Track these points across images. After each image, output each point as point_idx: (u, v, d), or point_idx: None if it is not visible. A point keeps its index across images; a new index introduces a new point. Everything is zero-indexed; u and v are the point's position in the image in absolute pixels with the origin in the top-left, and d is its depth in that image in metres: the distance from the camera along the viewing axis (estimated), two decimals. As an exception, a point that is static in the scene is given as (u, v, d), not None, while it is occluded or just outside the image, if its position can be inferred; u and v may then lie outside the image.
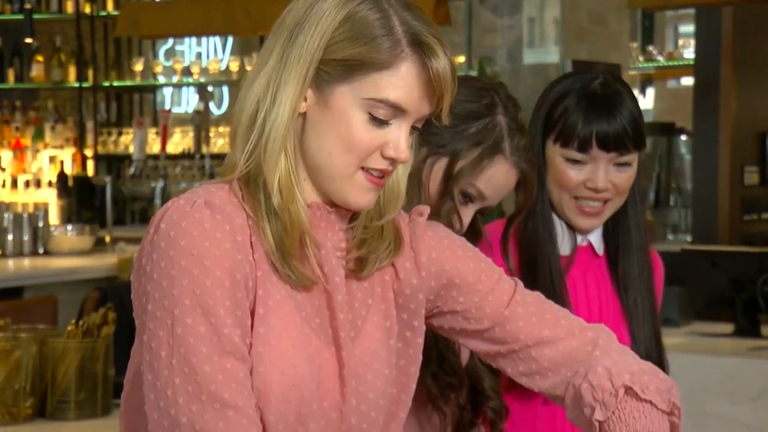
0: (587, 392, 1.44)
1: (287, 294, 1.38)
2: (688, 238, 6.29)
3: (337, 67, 1.36)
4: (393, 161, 1.40)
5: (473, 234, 1.78)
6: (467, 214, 1.73)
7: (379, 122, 1.38)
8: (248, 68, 6.91)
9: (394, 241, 1.46)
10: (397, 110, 1.38)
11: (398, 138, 1.39)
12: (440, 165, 1.71)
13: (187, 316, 1.30)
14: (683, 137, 6.60)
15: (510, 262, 1.96)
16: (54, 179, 7.10)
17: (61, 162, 7.34)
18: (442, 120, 1.44)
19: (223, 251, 1.33)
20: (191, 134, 7.35)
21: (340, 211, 1.44)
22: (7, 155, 7.44)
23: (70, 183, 7.03)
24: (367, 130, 1.37)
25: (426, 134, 1.51)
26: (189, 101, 8.05)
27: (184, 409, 1.28)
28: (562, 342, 1.49)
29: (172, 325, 1.30)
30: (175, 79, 7.65)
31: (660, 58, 6.99)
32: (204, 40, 7.86)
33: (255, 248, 1.37)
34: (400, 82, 1.37)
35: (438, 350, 1.73)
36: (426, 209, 1.53)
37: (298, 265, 1.38)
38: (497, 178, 1.72)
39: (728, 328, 4.40)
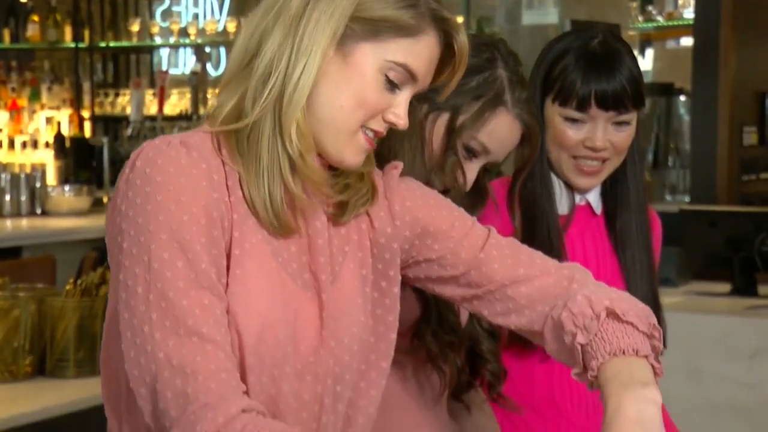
0: (567, 320, 1.45)
1: (264, 239, 1.39)
2: (686, 199, 6.29)
3: (365, 25, 1.39)
4: (391, 125, 1.43)
5: (478, 192, 1.78)
6: (471, 169, 1.72)
7: (392, 86, 1.41)
8: (245, 28, 6.84)
9: (371, 189, 1.48)
10: (410, 77, 1.42)
11: (402, 104, 1.43)
12: (442, 120, 1.71)
13: (164, 251, 1.31)
14: (682, 98, 6.58)
15: (516, 219, 1.97)
16: (51, 140, 7.08)
17: (58, 123, 7.32)
18: (445, 93, 1.52)
19: (199, 188, 1.34)
20: (188, 95, 7.33)
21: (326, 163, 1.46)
22: (3, 116, 7.42)
23: (67, 144, 7.01)
24: (380, 90, 1.40)
25: (427, 91, 1.51)
26: (186, 62, 8.01)
27: (161, 345, 1.29)
28: (538, 279, 1.51)
29: (148, 261, 1.31)
30: (172, 39, 7.61)
31: (659, 18, 6.95)
32: (201, 0, 7.82)
33: (231, 191, 1.38)
34: (422, 51, 1.42)
35: (437, 309, 1.74)
36: (400, 164, 1.55)
37: (286, 215, 1.39)
38: (500, 131, 1.71)
39: (725, 287, 4.41)
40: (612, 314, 1.44)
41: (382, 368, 1.49)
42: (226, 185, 1.38)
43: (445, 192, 1.66)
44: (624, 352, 1.40)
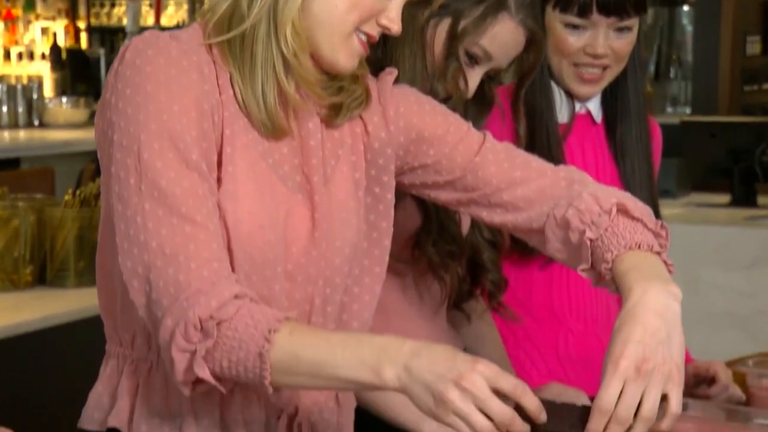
0: (574, 217, 1.45)
1: (254, 139, 1.39)
2: (688, 111, 6.27)
3: None
4: (384, 30, 1.42)
5: (484, 99, 1.76)
6: (473, 76, 1.70)
7: None
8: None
9: (365, 93, 1.47)
10: None
11: (395, 9, 1.41)
12: (443, 26, 1.68)
13: (154, 142, 1.30)
14: (685, 8, 6.51)
15: (521, 126, 1.95)
16: (47, 51, 7.02)
17: (54, 34, 7.25)
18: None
19: (190, 80, 1.33)
20: (185, 6, 7.25)
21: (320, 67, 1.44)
22: (-2, 26, 7.34)
23: (64, 56, 6.96)
24: None
25: None
26: (183, -28, 7.91)
27: (154, 234, 1.29)
28: (535, 181, 1.51)
29: (138, 151, 1.30)
30: (168, -52, 7.50)
31: (663, -75, 6.84)
32: None
33: (222, 90, 1.37)
34: None
35: (438, 219, 1.73)
36: (394, 71, 1.54)
37: (279, 116, 1.38)
38: (502, 36, 1.69)
39: (725, 198, 4.41)
40: (622, 210, 1.44)
41: (375, 273, 1.50)
42: (217, 83, 1.37)
43: (447, 99, 1.65)
44: (639, 247, 1.40)
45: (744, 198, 4.23)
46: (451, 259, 1.79)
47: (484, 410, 1.19)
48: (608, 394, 1.26)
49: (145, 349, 1.40)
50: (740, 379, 2.04)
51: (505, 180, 1.51)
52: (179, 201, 1.29)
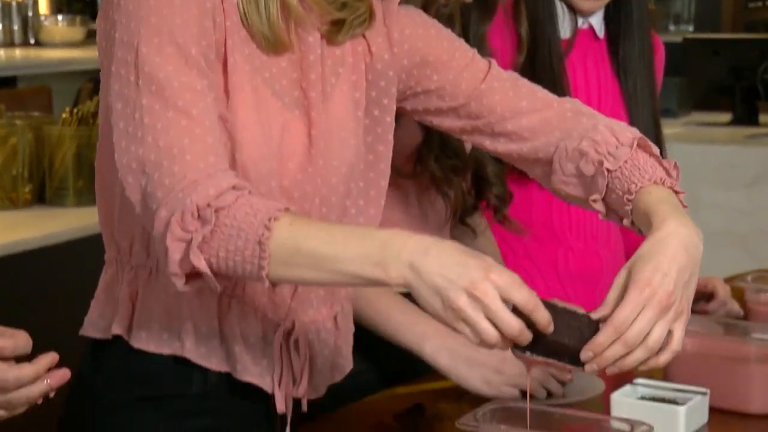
0: (590, 148, 1.43)
1: (252, 52, 1.37)
2: (690, 28, 6.20)
3: None
4: None
5: (486, 3, 1.73)
6: None
7: None
8: None
9: (369, 11, 1.44)
10: None
11: None
12: None
13: (154, 36, 1.29)
14: None
15: (523, 28, 1.93)
16: (42, -31, 6.91)
17: (49, -49, 7.14)
18: None
19: None
20: None
21: None
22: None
23: (59, -27, 6.85)
24: None
25: None
26: None
27: (150, 128, 1.28)
28: (540, 112, 1.49)
29: (138, 46, 1.29)
30: None
31: None
32: None
33: None
34: None
35: (439, 133, 1.72)
36: None
37: (280, 28, 1.36)
38: None
39: (726, 117, 4.40)
40: (642, 145, 1.43)
41: (371, 197, 1.49)
42: None
43: (446, 3, 1.62)
44: (663, 183, 1.39)
45: (745, 116, 4.21)
46: (454, 173, 1.78)
47: (494, 321, 1.17)
48: (625, 313, 1.25)
49: (144, 256, 1.40)
50: (738, 295, 2.05)
51: (510, 109, 1.49)
52: (176, 94, 1.28)
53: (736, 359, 1.60)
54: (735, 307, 2.02)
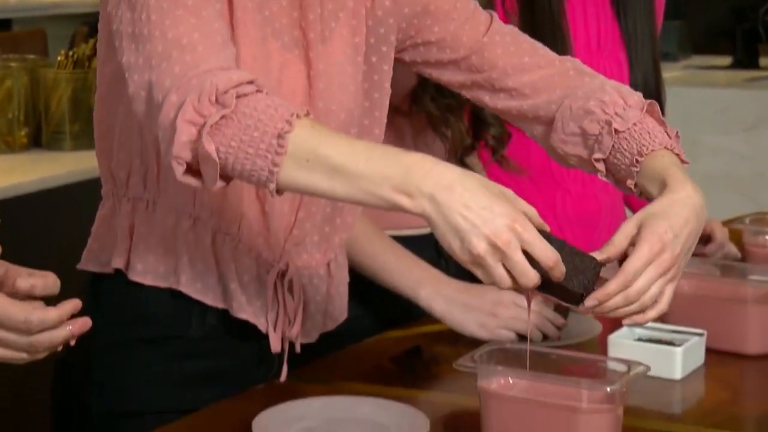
0: (597, 107, 1.42)
1: None
2: (691, -29, 6.15)
3: None
4: None
5: None
6: None
7: None
8: None
9: None
10: None
11: None
12: None
13: None
14: None
15: None
16: None
17: None
18: None
19: None
20: None
21: None
22: None
23: None
24: None
25: None
26: None
27: (157, 24, 1.22)
28: (543, 69, 1.48)
29: None
30: None
31: None
32: None
33: None
34: None
35: None
36: None
37: None
38: None
39: (726, 60, 4.37)
40: (650, 111, 1.42)
41: (375, 135, 1.48)
42: None
43: None
44: (672, 149, 1.38)
45: (746, 59, 4.18)
46: (450, 113, 1.77)
47: (511, 270, 1.15)
48: (636, 266, 1.24)
49: (141, 188, 1.40)
50: (736, 237, 2.05)
51: (512, 64, 1.48)
52: (180, 36, 1.21)
53: (733, 301, 1.60)
54: (733, 249, 2.02)
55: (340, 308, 1.52)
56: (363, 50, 1.45)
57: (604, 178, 1.43)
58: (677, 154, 1.38)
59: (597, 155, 1.42)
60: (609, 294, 1.23)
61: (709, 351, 1.57)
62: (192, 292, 1.40)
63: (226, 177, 1.20)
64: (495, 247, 1.14)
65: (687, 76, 4.25)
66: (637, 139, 1.38)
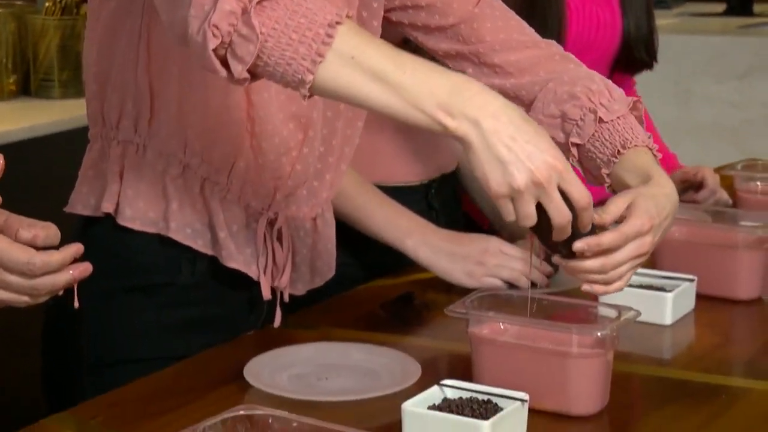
0: (583, 93, 1.42)
1: None
2: None
3: None
4: None
5: None
6: None
7: None
8: None
9: None
10: None
11: None
12: None
13: None
14: None
15: None
16: None
17: None
18: None
19: None
20: None
21: None
22: None
23: None
24: None
25: None
26: None
27: None
28: (529, 50, 1.47)
29: None
30: None
31: None
32: None
33: None
34: None
35: None
36: None
37: None
38: None
39: (720, 7, 4.35)
40: (633, 108, 1.43)
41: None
42: None
43: None
44: (653, 150, 1.40)
45: (739, 6, 4.16)
46: None
47: (547, 207, 1.14)
48: (631, 231, 1.25)
49: (131, 132, 1.39)
50: (728, 183, 2.05)
51: (499, 41, 1.46)
52: None
53: (724, 246, 1.61)
54: (724, 195, 2.02)
55: (327, 265, 1.52)
56: (356, 4, 1.44)
57: (574, 164, 1.43)
58: (658, 159, 1.40)
59: (575, 140, 1.42)
60: (601, 245, 1.23)
61: (700, 296, 1.58)
62: (181, 238, 1.40)
63: (255, 71, 1.13)
64: (536, 183, 1.13)
65: (680, 23, 4.22)
66: (621, 132, 1.39)
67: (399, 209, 1.69)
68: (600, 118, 1.41)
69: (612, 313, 1.27)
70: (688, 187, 2.05)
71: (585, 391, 1.23)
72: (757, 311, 1.60)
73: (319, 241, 1.50)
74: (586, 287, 1.27)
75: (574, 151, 1.43)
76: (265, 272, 1.43)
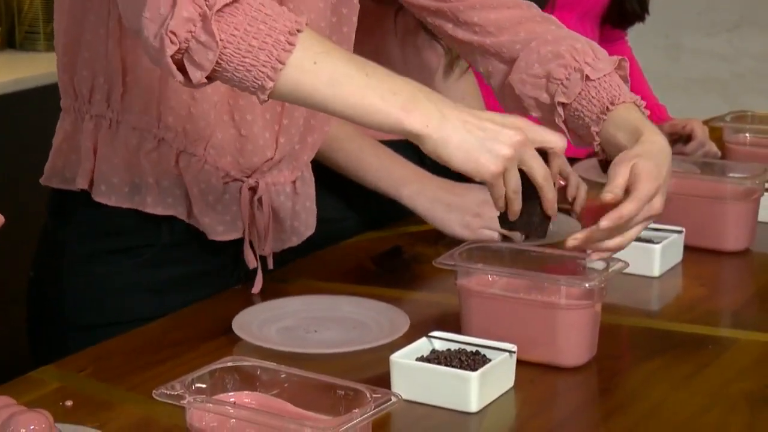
0: (568, 53, 1.41)
1: None
2: None
3: None
4: None
5: None
6: None
7: None
8: None
9: None
10: None
11: None
12: None
13: None
14: None
15: None
16: None
17: None
18: None
19: None
20: None
21: None
22: None
23: None
24: None
25: None
26: None
27: None
28: (509, 10, 1.46)
29: None
30: None
31: None
32: None
33: None
34: None
35: None
36: None
37: None
38: None
39: (710, -41, 4.31)
40: (620, 67, 1.43)
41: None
42: None
43: None
44: (641, 107, 1.39)
45: (730, -41, 4.12)
46: None
47: (526, 163, 1.17)
48: (646, 196, 1.26)
49: (104, 106, 1.37)
50: (717, 136, 2.05)
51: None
52: None
53: (712, 198, 1.61)
54: (713, 148, 2.02)
55: (306, 223, 1.51)
56: (327, 13, 1.42)
57: (559, 124, 1.42)
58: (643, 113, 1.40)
59: (561, 99, 1.41)
60: (623, 217, 1.24)
61: (688, 248, 1.58)
62: (159, 212, 1.39)
63: (214, 75, 1.12)
64: (520, 143, 1.16)
65: (670, -25, 4.20)
66: (608, 89, 1.39)
67: (395, 157, 1.68)
68: (587, 76, 1.40)
69: (600, 265, 1.27)
70: (677, 140, 2.04)
71: (573, 342, 1.24)
72: (744, 263, 1.61)
73: (298, 203, 1.49)
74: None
75: (560, 110, 1.42)
76: (249, 241, 1.43)
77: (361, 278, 1.53)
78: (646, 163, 1.28)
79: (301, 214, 1.50)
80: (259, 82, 1.11)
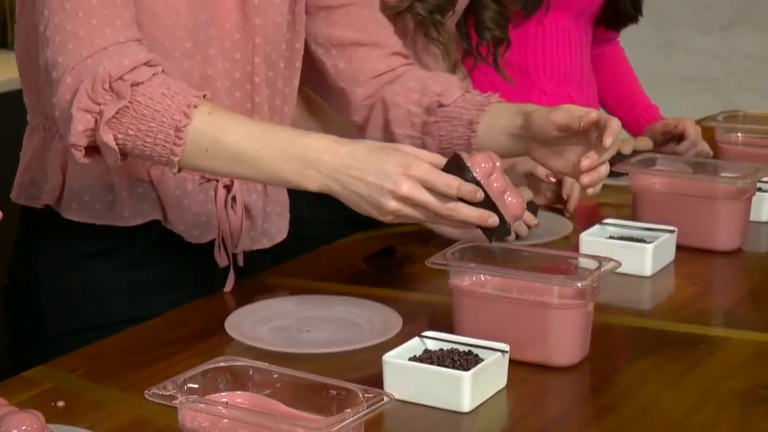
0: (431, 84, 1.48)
1: None
2: None
3: None
4: None
5: None
6: None
7: None
8: None
9: None
10: None
11: None
12: None
13: None
14: None
15: None
16: None
17: None
18: None
19: None
20: None
21: None
22: None
23: None
24: None
25: None
26: None
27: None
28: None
29: None
30: None
31: None
32: None
33: None
34: None
35: None
36: None
37: None
38: None
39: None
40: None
41: (295, 49, 1.46)
42: None
43: None
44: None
45: (722, -42, 4.13)
46: (440, 14, 1.72)
47: (423, 209, 1.21)
48: (602, 117, 1.30)
49: None
50: (709, 135, 2.05)
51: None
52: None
53: (704, 198, 1.61)
54: (705, 147, 2.03)
55: (277, 228, 1.51)
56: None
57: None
58: None
59: (443, 100, 1.46)
60: (615, 130, 1.28)
61: (680, 248, 1.58)
62: (138, 222, 1.38)
63: (126, 158, 1.24)
64: (402, 199, 1.19)
65: (663, -26, 4.20)
66: (480, 97, 1.46)
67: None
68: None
69: (592, 265, 1.27)
70: (669, 139, 2.05)
71: (565, 342, 1.24)
72: (736, 262, 1.61)
73: (269, 203, 1.49)
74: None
75: (440, 113, 1.45)
76: (223, 241, 1.43)
77: (353, 278, 1.53)
78: (567, 106, 1.35)
79: (272, 217, 1.49)
80: (165, 165, 1.24)
